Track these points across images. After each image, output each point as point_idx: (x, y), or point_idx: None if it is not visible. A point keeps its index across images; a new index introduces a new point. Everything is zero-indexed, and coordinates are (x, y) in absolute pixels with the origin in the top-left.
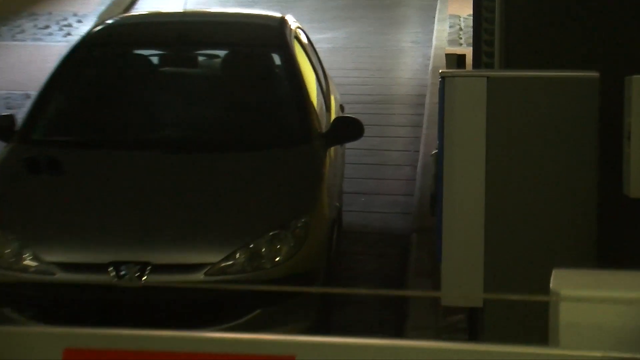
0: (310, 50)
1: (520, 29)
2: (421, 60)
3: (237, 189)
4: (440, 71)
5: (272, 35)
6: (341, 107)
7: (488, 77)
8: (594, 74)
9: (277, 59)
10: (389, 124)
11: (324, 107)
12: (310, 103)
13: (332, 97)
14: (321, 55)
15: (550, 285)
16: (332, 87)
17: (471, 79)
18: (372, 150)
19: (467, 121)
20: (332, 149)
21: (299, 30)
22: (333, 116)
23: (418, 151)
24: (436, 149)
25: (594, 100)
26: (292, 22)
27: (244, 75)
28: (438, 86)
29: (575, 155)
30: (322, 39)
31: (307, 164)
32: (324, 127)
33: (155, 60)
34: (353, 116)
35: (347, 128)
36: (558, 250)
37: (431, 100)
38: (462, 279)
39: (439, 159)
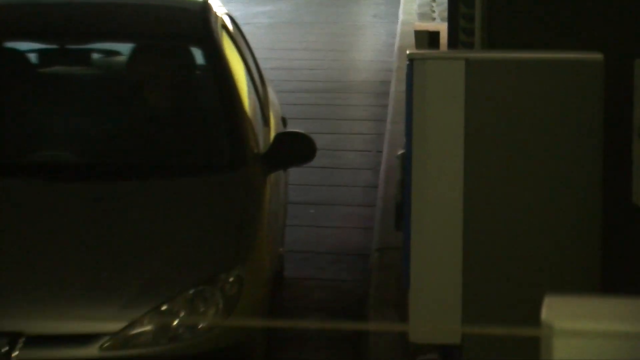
0: (242, 43)
1: (506, 2)
2: (385, 38)
3: (146, 231)
4: (408, 52)
5: (191, 24)
6: (283, 121)
7: (467, 60)
8: (597, 56)
9: (199, 56)
10: (345, 118)
11: (261, 119)
12: (244, 114)
13: (272, 107)
14: (260, 33)
15: (542, 316)
16: (270, 94)
17: (446, 62)
18: (324, 151)
19: (441, 114)
20: (273, 175)
21: (226, 18)
22: (273, 132)
23: (381, 151)
24: (403, 148)
25: (598, 88)
26: (218, 6)
27: (155, 77)
28: (405, 71)
29: (575, 156)
30: (261, 13)
31: (240, 197)
32: (262, 146)
33: (33, 57)
34: (300, 131)
35: (293, 147)
36: (553, 272)
37: (397, 89)
38: (435, 309)
39: (406, 160)
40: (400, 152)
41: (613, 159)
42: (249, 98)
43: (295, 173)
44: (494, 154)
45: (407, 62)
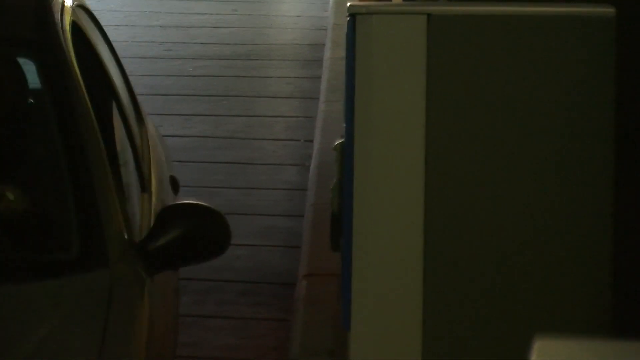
0: (105, 52)
1: None
2: None
3: None
4: (349, 4)
5: (23, 21)
6: (173, 182)
7: (429, 15)
8: (609, 10)
9: (33, 73)
10: (262, 95)
11: (136, 181)
12: (106, 176)
13: (154, 159)
14: None
15: None
16: (151, 134)
17: (401, 17)
18: (233, 140)
19: (394, 88)
20: (161, 279)
21: (81, 13)
22: (157, 202)
23: (311, 141)
24: (342, 136)
25: (608, 51)
26: None
27: None
28: (345, 30)
29: (579, 143)
30: None
31: (98, 316)
32: (138, 229)
33: None
34: (201, 203)
35: (190, 232)
36: (546, 306)
37: (333, 54)
38: (386, 357)
39: (346, 154)
40: (337, 141)
41: (626, 150)
42: (116, 144)
43: (193, 171)
44: (466, 142)
45: (348, 18)
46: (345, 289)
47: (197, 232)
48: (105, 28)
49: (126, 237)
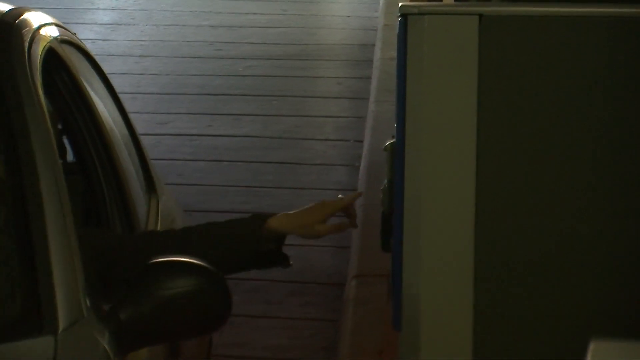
0: (95, 93)
1: None
2: None
3: None
4: (400, 5)
5: None
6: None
7: (481, 15)
8: None
9: None
10: (311, 95)
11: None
12: (63, 227)
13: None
14: None
15: None
16: (166, 204)
17: (453, 18)
18: (283, 140)
19: (445, 89)
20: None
21: (63, 46)
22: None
23: (361, 141)
24: (393, 137)
25: None
26: (43, 22)
27: None
28: (396, 31)
29: (634, 144)
30: None
31: None
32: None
33: None
34: (195, 261)
35: (176, 300)
36: (601, 308)
37: (384, 55)
38: (436, 357)
39: (397, 154)
40: (388, 142)
41: None
42: (99, 199)
43: (243, 171)
44: (518, 143)
45: (399, 18)
46: (396, 289)
47: (188, 299)
48: (155, 28)
49: (88, 302)
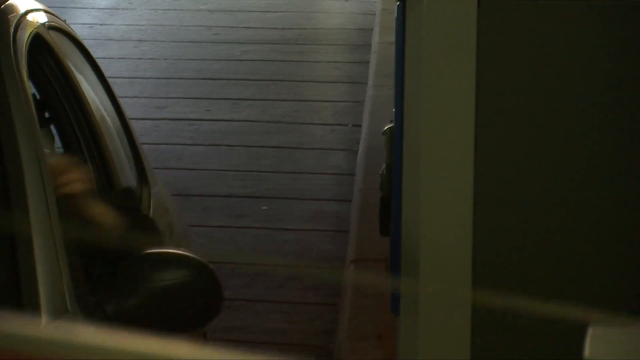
0: (85, 81)
1: None
2: None
3: None
4: None
5: None
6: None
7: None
8: None
9: None
10: (309, 79)
11: None
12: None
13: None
14: None
15: (585, 354)
16: (159, 196)
17: (452, 2)
18: (281, 124)
19: (444, 73)
20: None
21: (50, 32)
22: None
23: (359, 125)
24: (391, 121)
25: None
26: (30, 8)
27: None
28: (394, 15)
29: (635, 131)
30: None
31: None
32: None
33: None
34: (186, 253)
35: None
36: (601, 296)
37: (382, 39)
38: (434, 343)
39: (395, 138)
40: (387, 126)
41: None
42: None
43: (241, 156)
44: (516, 127)
45: (398, 2)
46: (394, 272)
47: (176, 292)
48: (154, 12)
49: (72, 296)
